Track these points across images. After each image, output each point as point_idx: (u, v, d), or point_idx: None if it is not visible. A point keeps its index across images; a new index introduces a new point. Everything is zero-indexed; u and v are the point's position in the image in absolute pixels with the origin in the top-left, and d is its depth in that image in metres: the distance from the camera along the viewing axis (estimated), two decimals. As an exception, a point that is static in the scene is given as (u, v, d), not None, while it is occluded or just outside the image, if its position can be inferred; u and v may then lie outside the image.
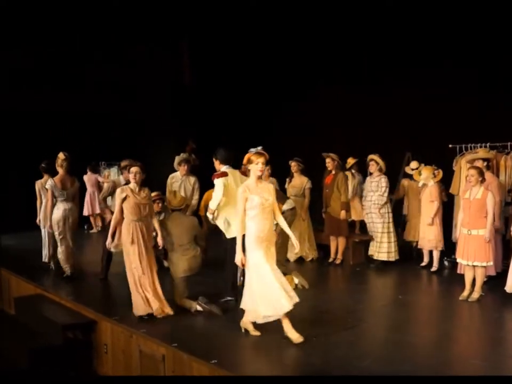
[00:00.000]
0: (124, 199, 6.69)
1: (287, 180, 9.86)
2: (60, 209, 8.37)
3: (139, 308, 6.59)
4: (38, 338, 7.07)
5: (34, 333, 7.23)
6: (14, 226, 10.53)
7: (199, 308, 6.68)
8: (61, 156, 8.42)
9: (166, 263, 8.55)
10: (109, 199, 8.32)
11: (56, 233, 8.46)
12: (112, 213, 8.47)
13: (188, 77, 15.83)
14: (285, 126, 12.98)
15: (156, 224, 6.94)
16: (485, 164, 8.00)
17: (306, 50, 12.57)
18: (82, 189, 10.17)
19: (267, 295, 5.59)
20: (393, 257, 9.13)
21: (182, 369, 5.45)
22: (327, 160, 9.33)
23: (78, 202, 8.88)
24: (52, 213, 8.40)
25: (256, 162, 5.70)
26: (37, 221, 9.19)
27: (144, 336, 5.99)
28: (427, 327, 6.48)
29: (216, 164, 7.17)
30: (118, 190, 6.77)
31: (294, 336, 5.59)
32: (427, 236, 8.77)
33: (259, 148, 5.82)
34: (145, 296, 6.63)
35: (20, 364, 6.70)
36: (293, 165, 9.74)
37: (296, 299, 5.63)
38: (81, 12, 12.62)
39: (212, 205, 7.04)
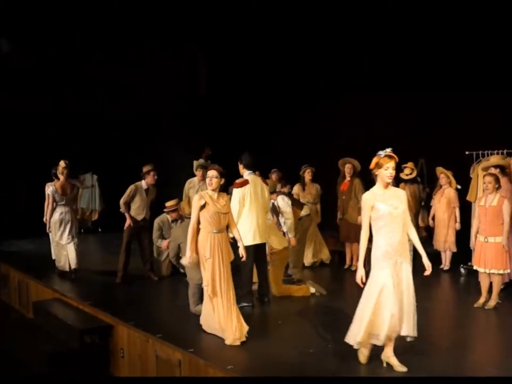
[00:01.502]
0: (202, 207, 6.01)
1: (299, 186, 9.81)
2: (57, 213, 8.95)
3: (205, 324, 6.22)
4: (55, 342, 7.14)
5: (52, 337, 7.31)
6: (32, 231, 10.64)
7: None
8: (62, 163, 8.94)
9: (182, 269, 8.64)
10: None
11: (53, 234, 9.05)
12: (131, 217, 8.64)
13: (203, 86, 15.93)
14: (296, 134, 13.02)
15: (237, 234, 6.30)
16: (497, 170, 7.94)
17: (318, 58, 12.62)
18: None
19: (375, 317, 4.99)
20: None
21: (198, 375, 5.46)
22: (348, 166, 9.16)
23: (77, 207, 9.55)
24: (51, 216, 8.96)
25: (386, 167, 5.00)
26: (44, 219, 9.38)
27: (160, 341, 6.02)
28: (443, 335, 6.45)
29: (240, 168, 7.25)
30: (196, 197, 6.10)
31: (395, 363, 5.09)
32: (441, 238, 9.07)
33: (388, 150, 5.10)
34: (219, 319, 6.02)
35: (38, 368, 6.77)
36: (308, 172, 9.73)
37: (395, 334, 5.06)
38: (98, 15, 12.73)
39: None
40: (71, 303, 7.90)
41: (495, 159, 8.35)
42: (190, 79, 15.57)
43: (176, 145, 14.29)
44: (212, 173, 6.04)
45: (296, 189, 9.76)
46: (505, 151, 8.65)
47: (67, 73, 13.48)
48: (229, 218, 6.17)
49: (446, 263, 9.13)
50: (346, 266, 9.44)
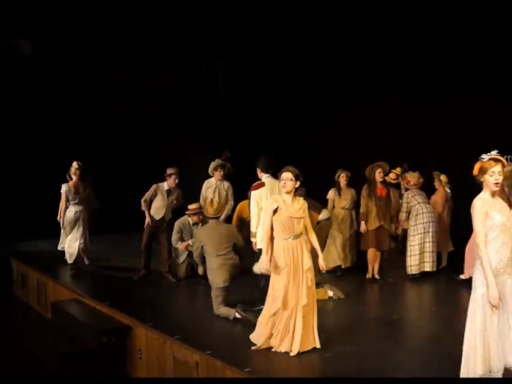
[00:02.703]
0: (275, 212, 5.62)
1: (334, 191, 9.30)
2: (71, 212, 9.41)
3: (258, 339, 5.82)
4: (73, 342, 7.18)
5: (70, 337, 7.35)
6: (50, 231, 10.72)
7: (237, 315, 6.63)
8: (75, 165, 9.44)
9: (200, 270, 8.65)
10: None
11: (66, 231, 9.58)
12: (150, 216, 8.76)
13: (222, 87, 15.93)
14: (314, 137, 13.01)
15: (315, 242, 5.90)
16: None
17: (336, 62, 12.62)
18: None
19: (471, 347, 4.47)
20: (429, 267, 8.91)
21: (216, 376, 5.46)
22: (379, 170, 8.70)
23: (89, 206, 9.97)
24: (65, 214, 9.42)
25: (491, 173, 4.40)
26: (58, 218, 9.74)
27: (178, 343, 6.02)
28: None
29: (258, 172, 7.24)
30: (269, 200, 5.82)
31: None
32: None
33: (493, 153, 4.52)
34: (271, 334, 5.70)
35: (56, 367, 6.80)
36: (343, 176, 9.33)
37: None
38: (99, 15, 12.79)
39: (252, 226, 7.03)
40: (89, 303, 7.94)
41: None
42: (194, 79, 15.55)
43: (193, 148, 14.34)
44: (286, 175, 5.65)
45: (332, 194, 9.32)
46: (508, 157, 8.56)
47: (93, 84, 13.61)
48: (305, 223, 5.76)
49: (443, 263, 9.43)
50: (369, 276, 8.94)
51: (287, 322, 5.56)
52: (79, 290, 8.45)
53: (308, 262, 5.61)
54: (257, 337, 5.80)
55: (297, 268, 5.56)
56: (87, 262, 9.98)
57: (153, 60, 14.30)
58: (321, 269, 5.89)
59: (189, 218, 8.85)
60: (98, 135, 14.06)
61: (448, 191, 9.62)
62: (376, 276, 8.90)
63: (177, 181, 8.87)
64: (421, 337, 6.46)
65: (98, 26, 13.05)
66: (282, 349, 5.59)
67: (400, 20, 10.79)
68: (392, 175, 9.31)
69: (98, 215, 13.81)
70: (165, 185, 8.90)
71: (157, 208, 8.84)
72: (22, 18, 12.32)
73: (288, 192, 5.65)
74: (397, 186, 9.63)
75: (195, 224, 8.82)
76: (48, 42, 13.08)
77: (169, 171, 8.88)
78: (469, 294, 4.59)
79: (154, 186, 8.91)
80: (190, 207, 8.79)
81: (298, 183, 5.68)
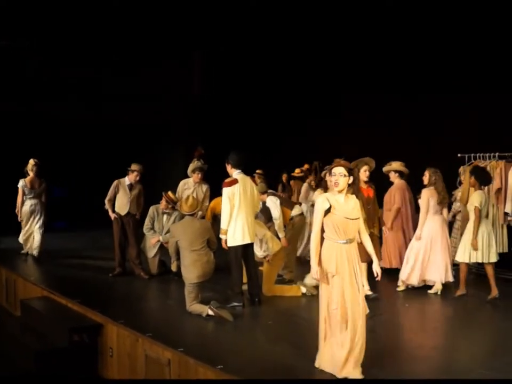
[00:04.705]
0: (327, 212, 4.90)
1: (321, 192, 8.03)
2: (27, 205, 10.19)
3: (334, 366, 4.96)
4: (43, 340, 7.08)
5: (40, 335, 7.24)
6: (18, 228, 10.63)
7: (210, 312, 6.62)
8: (31, 161, 10.23)
9: (173, 267, 8.61)
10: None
11: (23, 222, 10.28)
12: (114, 212, 8.94)
13: (197, 86, 15.86)
14: (295, 135, 13.00)
15: (368, 244, 5.15)
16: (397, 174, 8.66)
17: (314, 60, 12.59)
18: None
19: None
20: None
21: (188, 374, 5.42)
22: (364, 167, 7.54)
23: (45, 200, 10.48)
24: (22, 208, 10.19)
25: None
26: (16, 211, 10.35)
27: (150, 340, 5.96)
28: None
29: (228, 168, 7.20)
30: (320, 198, 5.02)
31: None
32: None
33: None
34: (334, 352, 4.94)
35: (26, 366, 6.71)
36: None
37: None
38: (90, 19, 12.57)
39: (223, 223, 7.02)
40: (60, 301, 7.82)
41: (396, 164, 8.69)
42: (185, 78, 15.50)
43: (171, 147, 14.34)
44: (338, 170, 4.88)
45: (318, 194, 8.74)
46: (497, 154, 8.69)
47: (76, 82, 13.58)
48: (359, 225, 5.07)
49: None
50: None
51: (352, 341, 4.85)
52: (49, 288, 8.33)
53: (362, 270, 5.01)
54: (332, 366, 4.97)
55: (353, 276, 4.88)
56: (35, 254, 10.30)
57: (133, 61, 14.21)
58: (375, 276, 5.09)
59: (161, 203, 8.90)
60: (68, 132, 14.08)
61: None
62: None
63: (138, 178, 8.99)
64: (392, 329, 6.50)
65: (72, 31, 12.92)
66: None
67: (390, 20, 10.77)
68: (297, 170, 9.36)
69: (74, 211, 13.87)
70: (127, 180, 9.02)
71: (121, 204, 8.95)
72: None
73: (340, 191, 4.92)
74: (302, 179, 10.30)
75: (164, 213, 8.84)
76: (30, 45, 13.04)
77: (133, 167, 9.00)
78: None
79: (115, 181, 9.04)
80: (169, 193, 8.82)
81: (351, 179, 4.94)
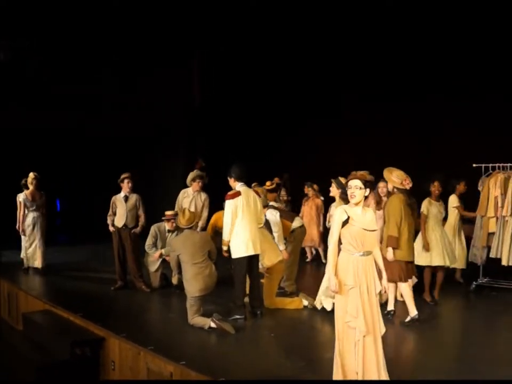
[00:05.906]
0: (344, 223, 4.89)
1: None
2: (29, 217, 10.24)
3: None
4: (45, 354, 7.07)
5: (42, 349, 7.23)
6: (19, 241, 10.63)
7: (212, 324, 6.61)
8: (31, 175, 10.31)
9: (174, 280, 8.61)
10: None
11: (26, 236, 10.32)
12: (113, 225, 8.95)
13: (198, 96, 15.88)
14: (293, 144, 13.02)
15: (379, 258, 5.07)
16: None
17: (314, 68, 12.64)
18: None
19: None
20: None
21: (190, 388, 5.42)
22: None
23: (46, 212, 10.54)
24: (24, 220, 10.26)
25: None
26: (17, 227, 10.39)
27: (152, 354, 5.95)
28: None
29: (231, 181, 7.24)
30: (338, 210, 5.00)
31: None
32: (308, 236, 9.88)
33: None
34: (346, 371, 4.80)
35: (27, 380, 6.69)
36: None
37: None
38: (89, 28, 12.63)
39: (225, 235, 7.05)
40: (62, 314, 7.82)
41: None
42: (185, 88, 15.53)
43: (171, 158, 14.34)
44: (354, 182, 4.91)
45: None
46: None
47: (75, 93, 13.52)
48: (376, 237, 5.12)
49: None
50: None
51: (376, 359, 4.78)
52: (51, 301, 8.32)
53: (378, 284, 4.91)
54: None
55: (369, 290, 4.82)
56: (40, 267, 10.31)
57: (132, 70, 14.25)
58: (383, 290, 5.03)
59: (166, 225, 8.85)
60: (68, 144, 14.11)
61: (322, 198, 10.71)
62: None
63: (130, 185, 8.98)
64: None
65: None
66: None
67: (425, 37, 10.78)
68: (268, 183, 9.41)
69: (76, 225, 13.88)
70: (122, 193, 9.05)
71: (119, 217, 8.98)
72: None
73: (357, 204, 4.91)
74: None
75: (170, 231, 8.82)
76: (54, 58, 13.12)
77: (122, 176, 9.04)
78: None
79: (112, 198, 9.11)
80: (166, 213, 8.85)
81: (368, 191, 4.97)
